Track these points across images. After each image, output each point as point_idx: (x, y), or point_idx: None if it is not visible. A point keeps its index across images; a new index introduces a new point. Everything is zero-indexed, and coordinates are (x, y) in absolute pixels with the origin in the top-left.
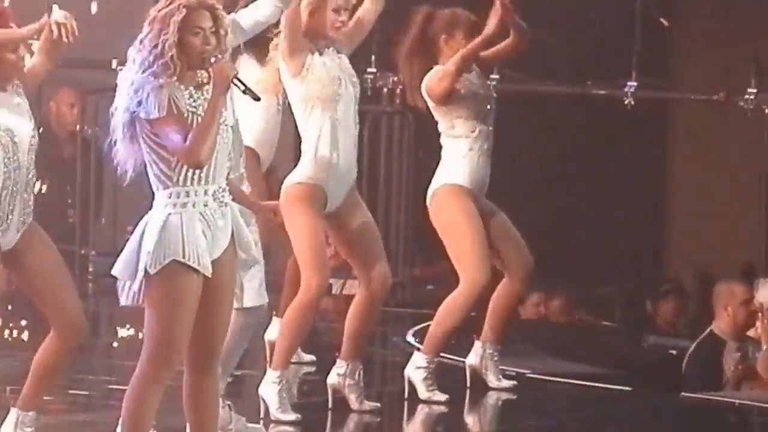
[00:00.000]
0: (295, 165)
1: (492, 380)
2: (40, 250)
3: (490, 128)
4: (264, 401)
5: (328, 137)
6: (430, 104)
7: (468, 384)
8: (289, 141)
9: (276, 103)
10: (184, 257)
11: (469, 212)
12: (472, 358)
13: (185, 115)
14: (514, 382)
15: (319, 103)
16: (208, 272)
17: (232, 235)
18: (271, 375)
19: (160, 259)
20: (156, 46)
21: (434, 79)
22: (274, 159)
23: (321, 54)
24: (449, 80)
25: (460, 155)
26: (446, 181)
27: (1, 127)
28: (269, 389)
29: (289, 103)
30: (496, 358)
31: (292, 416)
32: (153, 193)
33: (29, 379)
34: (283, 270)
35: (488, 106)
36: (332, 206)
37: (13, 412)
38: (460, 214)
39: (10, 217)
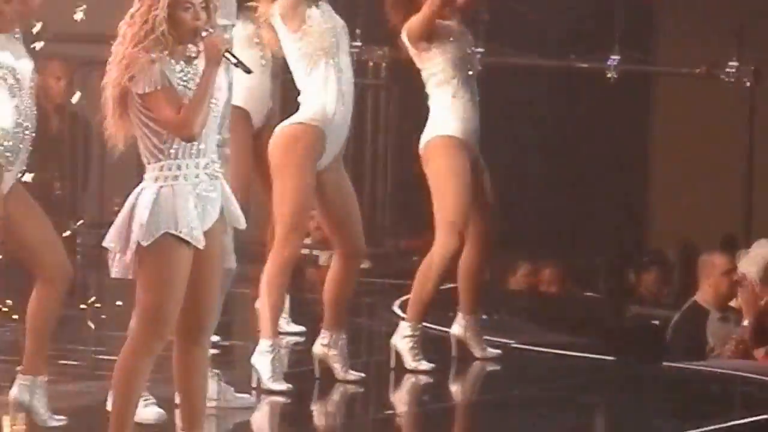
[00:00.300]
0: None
1: (476, 350)
2: (23, 198)
3: (472, 74)
4: (257, 371)
5: (334, 86)
6: (412, 51)
7: (453, 354)
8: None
9: (261, 58)
10: (176, 230)
11: (458, 168)
12: (456, 329)
13: (177, 89)
14: (499, 352)
15: (322, 54)
16: (201, 245)
17: (221, 207)
18: (263, 345)
19: (152, 231)
20: (146, 21)
21: (413, 20)
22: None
23: (317, 6)
24: (425, 17)
25: (446, 103)
26: (438, 133)
27: (4, 66)
28: (261, 359)
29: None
30: (479, 329)
31: (283, 386)
32: (139, 166)
33: (27, 339)
34: (261, 239)
35: (468, 52)
36: (325, 160)
37: (23, 379)
38: (448, 171)
39: (17, 155)
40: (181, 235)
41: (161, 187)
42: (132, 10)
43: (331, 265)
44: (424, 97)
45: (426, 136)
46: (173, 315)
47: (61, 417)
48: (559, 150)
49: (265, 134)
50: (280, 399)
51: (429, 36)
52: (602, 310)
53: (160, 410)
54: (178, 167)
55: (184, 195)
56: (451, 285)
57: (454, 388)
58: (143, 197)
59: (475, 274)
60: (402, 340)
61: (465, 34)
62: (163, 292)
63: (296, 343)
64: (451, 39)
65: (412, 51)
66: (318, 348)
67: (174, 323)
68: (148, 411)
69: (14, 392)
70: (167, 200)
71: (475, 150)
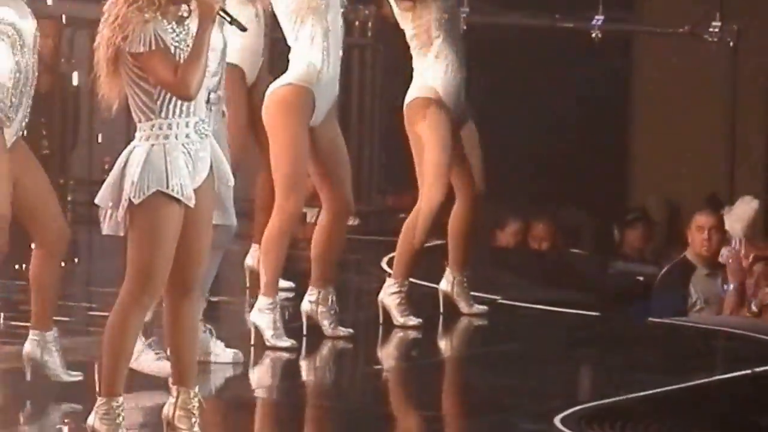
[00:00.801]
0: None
1: (463, 306)
2: (24, 156)
3: (456, 34)
4: (256, 328)
5: (320, 45)
6: (396, 11)
7: (441, 310)
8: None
9: (255, 15)
10: (167, 188)
11: (438, 127)
12: (444, 285)
13: (171, 49)
14: (485, 308)
15: (309, 12)
16: (191, 203)
17: (212, 165)
18: (264, 302)
19: (143, 189)
20: None
21: None
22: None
23: None
24: None
25: (428, 64)
26: (418, 94)
27: (6, 22)
28: (263, 317)
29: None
30: (466, 284)
31: (287, 342)
32: (128, 124)
33: (32, 298)
34: (251, 195)
35: (453, 11)
36: (316, 119)
37: (33, 335)
38: (428, 130)
39: (17, 113)
40: (172, 193)
41: (152, 145)
42: None
43: (319, 221)
44: (410, 57)
45: (408, 97)
46: (164, 271)
47: (77, 372)
48: (543, 109)
49: (256, 88)
50: (270, 354)
51: None
52: (587, 266)
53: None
54: (169, 126)
55: (175, 153)
56: (439, 241)
57: (442, 344)
58: (135, 155)
59: (465, 230)
60: (389, 296)
61: None
62: (153, 249)
63: (285, 299)
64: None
65: (396, 10)
66: (306, 304)
67: (165, 279)
68: (159, 364)
69: (26, 348)
70: (158, 158)
71: (457, 109)
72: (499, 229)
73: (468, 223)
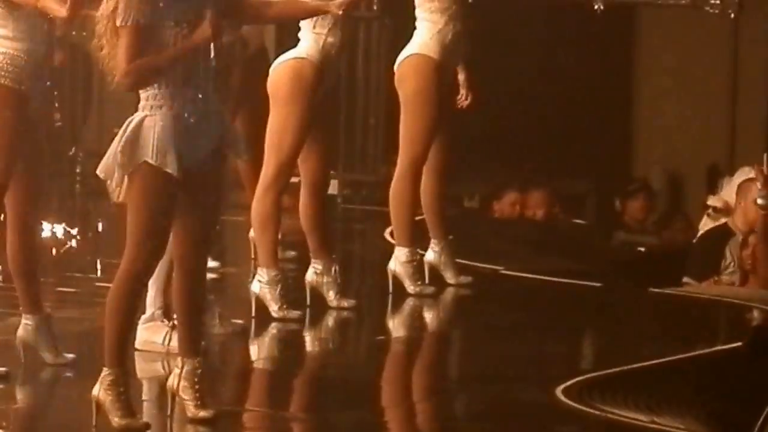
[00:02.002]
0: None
1: (449, 276)
2: None
3: (467, 8)
4: (257, 298)
5: (337, 34)
6: None
7: (426, 281)
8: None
9: None
10: (153, 159)
11: (430, 89)
12: (430, 256)
13: (154, 27)
14: (470, 278)
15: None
16: (176, 173)
17: (221, 138)
18: (267, 275)
19: (133, 160)
20: None
21: None
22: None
23: None
24: None
25: (433, 30)
26: (417, 51)
27: None
28: (268, 289)
29: None
30: (452, 254)
31: (293, 314)
32: (137, 96)
33: (15, 283)
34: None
35: None
36: (320, 94)
37: (24, 318)
38: (420, 91)
39: (38, 86)
40: (157, 164)
41: (146, 116)
42: None
43: (301, 195)
44: (414, 29)
45: (403, 54)
46: (159, 241)
47: (69, 354)
48: (546, 80)
49: (256, 61)
50: (273, 325)
51: None
52: (589, 236)
53: None
54: (163, 97)
55: (166, 124)
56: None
57: (442, 315)
58: (130, 127)
59: (437, 198)
60: (402, 265)
61: None
62: (146, 218)
63: (289, 270)
64: None
65: None
66: (311, 275)
67: (162, 248)
68: None
69: (19, 332)
70: (148, 129)
71: (452, 72)
72: (497, 200)
73: (438, 191)
